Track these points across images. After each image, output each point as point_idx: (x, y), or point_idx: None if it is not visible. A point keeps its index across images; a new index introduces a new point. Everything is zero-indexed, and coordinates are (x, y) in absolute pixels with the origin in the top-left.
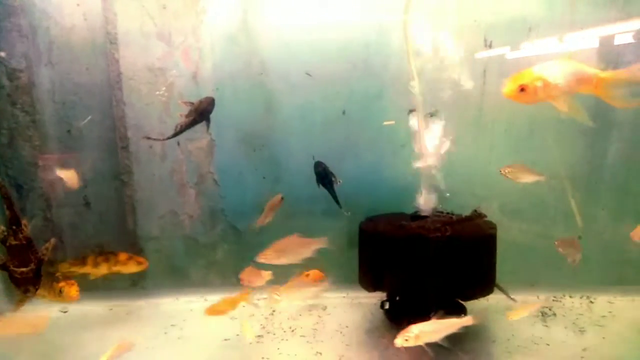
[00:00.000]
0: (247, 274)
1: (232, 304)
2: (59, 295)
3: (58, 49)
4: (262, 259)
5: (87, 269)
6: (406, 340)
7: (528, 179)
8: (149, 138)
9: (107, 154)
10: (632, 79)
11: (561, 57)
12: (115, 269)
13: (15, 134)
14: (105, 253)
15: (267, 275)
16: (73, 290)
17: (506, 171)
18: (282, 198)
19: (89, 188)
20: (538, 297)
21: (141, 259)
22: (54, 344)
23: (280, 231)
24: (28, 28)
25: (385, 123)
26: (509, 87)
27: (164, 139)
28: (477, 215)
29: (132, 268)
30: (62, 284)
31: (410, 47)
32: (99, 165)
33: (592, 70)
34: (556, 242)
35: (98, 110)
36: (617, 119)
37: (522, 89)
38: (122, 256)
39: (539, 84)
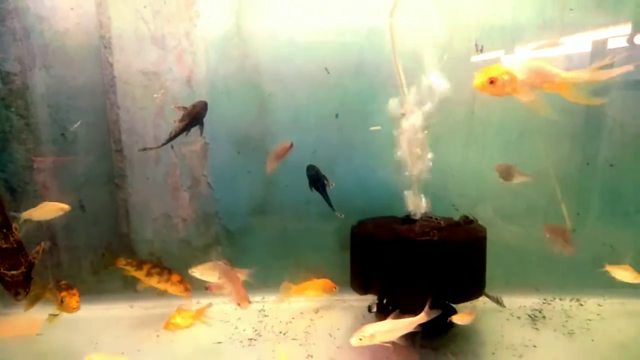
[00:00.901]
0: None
1: (190, 318)
2: (60, 305)
3: (52, 52)
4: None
5: (140, 274)
6: (360, 339)
7: (516, 180)
8: (145, 149)
9: (101, 157)
10: (591, 79)
11: (531, 59)
12: (163, 285)
13: (10, 137)
14: (162, 267)
15: (243, 274)
16: (74, 301)
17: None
18: (291, 144)
19: (83, 191)
20: (521, 299)
21: (189, 288)
22: (46, 346)
23: (274, 233)
24: (22, 31)
25: (371, 129)
26: (479, 79)
27: (158, 147)
28: (465, 221)
29: (177, 291)
30: (63, 293)
31: (396, 50)
32: (93, 169)
33: (555, 70)
34: (545, 227)
35: (92, 113)
36: (607, 121)
37: (492, 82)
38: (175, 277)
39: (506, 77)
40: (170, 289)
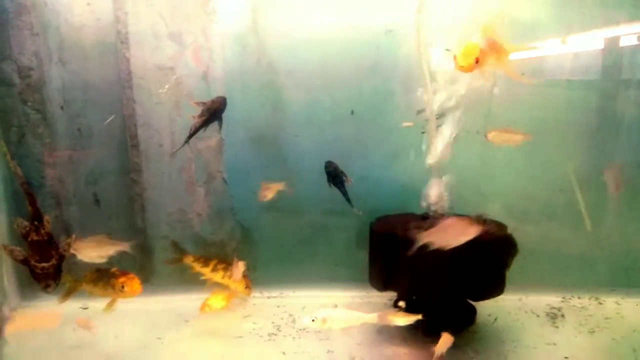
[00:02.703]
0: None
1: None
2: (121, 290)
3: (69, 47)
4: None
5: (206, 271)
6: (313, 320)
7: (514, 140)
8: (173, 153)
9: (116, 152)
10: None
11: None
12: (226, 281)
13: (26, 131)
14: (228, 263)
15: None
16: (136, 284)
17: (492, 135)
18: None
19: (99, 186)
20: (540, 298)
21: (249, 285)
22: (67, 340)
23: (289, 229)
24: (39, 26)
25: (404, 125)
26: (466, 61)
27: (181, 146)
28: (479, 221)
29: (239, 289)
30: (122, 279)
31: (423, 48)
32: (109, 163)
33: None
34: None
35: (108, 108)
36: (624, 118)
37: (477, 61)
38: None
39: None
40: (231, 285)
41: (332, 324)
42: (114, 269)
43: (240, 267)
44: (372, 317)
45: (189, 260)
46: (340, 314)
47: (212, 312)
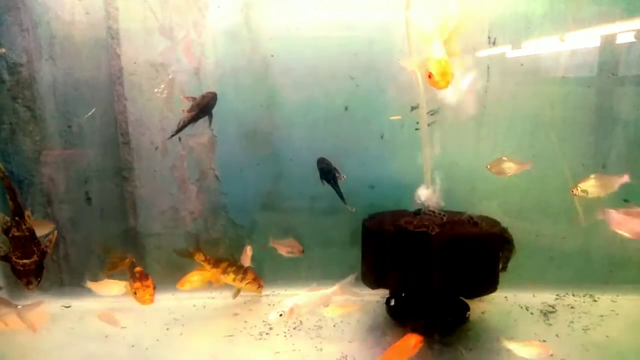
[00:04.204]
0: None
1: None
2: (133, 296)
3: (59, 43)
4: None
5: (216, 272)
6: (280, 315)
7: (513, 170)
8: (163, 143)
9: (108, 149)
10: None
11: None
12: (238, 284)
13: (16, 128)
14: (238, 265)
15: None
16: (147, 294)
17: (491, 164)
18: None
19: (90, 184)
20: (534, 295)
21: (262, 285)
22: (54, 340)
23: (282, 227)
24: (29, 22)
25: (391, 118)
26: (445, 80)
27: (168, 138)
28: (469, 222)
29: (252, 289)
30: (137, 285)
31: (412, 44)
32: (100, 161)
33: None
34: None
35: (99, 105)
36: (620, 115)
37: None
38: (250, 275)
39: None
40: (245, 287)
41: (300, 311)
42: (138, 268)
43: (248, 252)
44: (334, 290)
45: (199, 258)
46: (304, 299)
47: (191, 289)
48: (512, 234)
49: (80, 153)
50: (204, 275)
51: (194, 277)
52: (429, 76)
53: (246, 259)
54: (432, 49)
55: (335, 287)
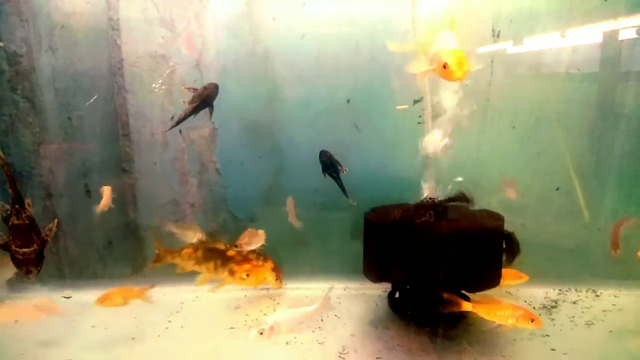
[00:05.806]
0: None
1: (125, 297)
2: (242, 278)
3: (59, 34)
4: None
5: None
6: (261, 333)
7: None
8: (163, 132)
9: (108, 141)
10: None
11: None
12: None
13: (15, 120)
14: (258, 254)
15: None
16: (261, 274)
17: None
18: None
19: (90, 176)
20: (536, 290)
21: (281, 278)
22: (55, 331)
23: (283, 221)
24: (28, 12)
25: (398, 108)
26: (463, 71)
27: (168, 129)
28: (460, 198)
29: (270, 281)
30: (247, 266)
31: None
32: (100, 153)
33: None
34: None
35: (99, 97)
36: (624, 110)
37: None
38: (269, 264)
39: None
40: (266, 278)
41: (280, 329)
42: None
43: (261, 235)
44: (316, 309)
45: (220, 246)
46: (285, 316)
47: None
48: (512, 229)
49: (80, 145)
50: (127, 293)
51: (115, 296)
52: (444, 66)
53: (258, 242)
54: (444, 40)
55: (316, 305)
